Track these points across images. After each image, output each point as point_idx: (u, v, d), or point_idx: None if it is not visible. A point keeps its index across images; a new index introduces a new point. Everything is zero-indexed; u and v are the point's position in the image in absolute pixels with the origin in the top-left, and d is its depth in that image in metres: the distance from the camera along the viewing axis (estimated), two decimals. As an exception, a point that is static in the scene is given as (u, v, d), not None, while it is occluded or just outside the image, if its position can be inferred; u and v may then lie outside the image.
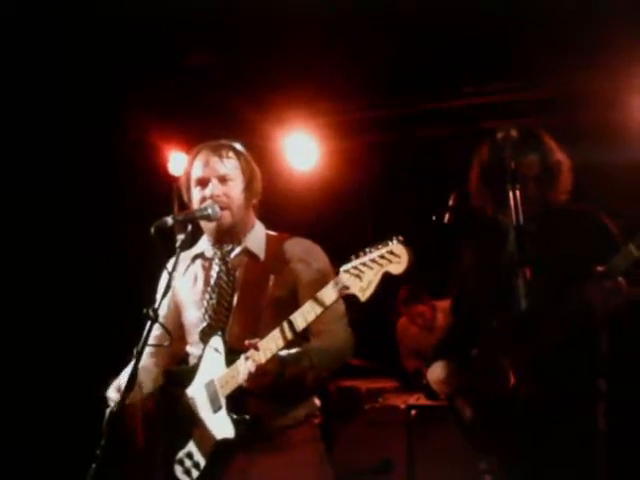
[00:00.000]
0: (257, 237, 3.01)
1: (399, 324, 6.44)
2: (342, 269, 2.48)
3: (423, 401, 4.85)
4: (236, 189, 2.95)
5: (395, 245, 2.38)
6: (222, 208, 2.90)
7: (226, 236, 2.97)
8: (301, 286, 2.82)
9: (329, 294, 2.53)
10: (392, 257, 2.37)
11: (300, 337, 2.71)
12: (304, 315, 2.60)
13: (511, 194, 2.78)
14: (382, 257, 2.39)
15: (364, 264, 2.42)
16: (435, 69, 5.41)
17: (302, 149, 6.05)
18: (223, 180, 2.93)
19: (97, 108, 5.62)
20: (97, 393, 2.93)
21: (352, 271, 2.44)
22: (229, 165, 2.96)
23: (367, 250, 2.44)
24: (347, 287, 2.46)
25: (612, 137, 5.26)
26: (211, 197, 2.90)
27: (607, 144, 5.20)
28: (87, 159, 5.92)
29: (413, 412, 4.93)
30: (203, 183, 2.94)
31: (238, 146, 3.03)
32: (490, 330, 3.04)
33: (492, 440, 3.03)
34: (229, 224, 2.94)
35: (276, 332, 2.65)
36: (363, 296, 2.43)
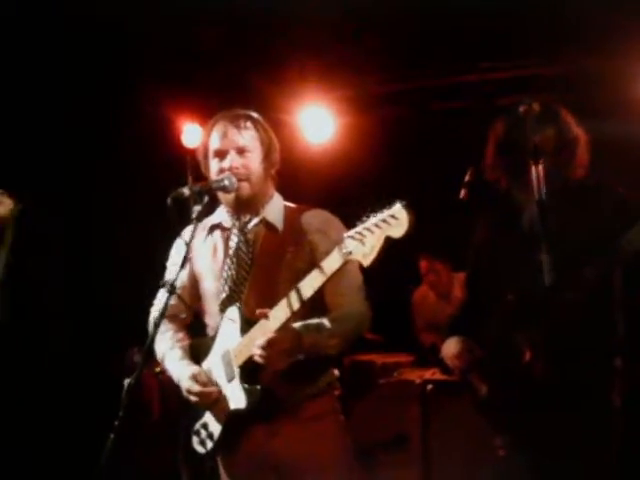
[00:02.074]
0: (275, 208, 3.00)
1: (416, 295, 6.44)
2: (346, 235, 2.49)
3: (439, 376, 4.85)
4: (255, 160, 2.93)
5: (396, 208, 2.39)
6: (241, 180, 2.89)
7: (245, 207, 2.96)
8: (318, 257, 2.79)
9: (334, 260, 2.55)
10: (393, 220, 2.39)
11: (312, 308, 2.72)
12: (311, 282, 2.62)
13: (533, 168, 2.77)
14: (384, 221, 2.41)
15: (367, 229, 2.43)
16: (451, 44, 5.38)
17: (318, 123, 6.04)
18: (241, 151, 2.91)
19: (110, 81, 5.62)
20: (114, 364, 2.96)
21: (356, 236, 2.45)
22: (247, 136, 2.93)
23: (370, 215, 2.44)
24: (351, 252, 2.47)
25: (627, 114, 5.22)
26: (229, 169, 2.88)
27: (622, 121, 5.16)
28: (100, 132, 5.93)
29: (429, 387, 4.92)
30: (221, 155, 2.92)
31: (256, 116, 3.00)
32: (505, 305, 3.04)
33: (506, 416, 3.03)
34: (248, 195, 2.92)
35: (284, 301, 2.66)
36: (366, 261, 2.45)
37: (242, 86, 5.82)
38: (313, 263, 2.73)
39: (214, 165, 2.94)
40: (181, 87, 6.02)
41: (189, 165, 6.26)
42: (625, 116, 5.21)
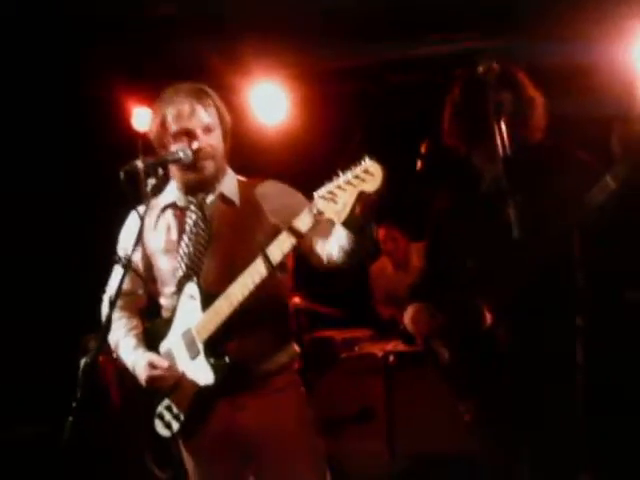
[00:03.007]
0: (230, 183, 2.95)
1: (373, 267, 6.44)
2: (316, 194, 2.44)
3: (400, 347, 4.87)
4: (218, 138, 2.87)
5: (368, 163, 2.35)
6: (206, 158, 2.82)
7: (204, 185, 2.89)
8: (281, 223, 2.72)
9: (305, 221, 2.51)
10: (366, 176, 2.35)
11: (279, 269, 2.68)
12: (280, 246, 2.58)
13: (496, 126, 2.76)
14: (356, 177, 2.36)
15: (338, 187, 2.38)
16: (404, 16, 5.35)
17: (270, 100, 5.98)
18: (207, 130, 2.83)
19: (57, 66, 5.51)
20: (69, 344, 2.90)
21: (327, 195, 2.40)
22: (212, 114, 2.85)
23: (341, 173, 2.39)
24: (322, 212, 2.43)
25: (580, 85, 5.26)
26: (199, 149, 2.79)
27: (576, 92, 5.20)
28: (48, 117, 5.82)
29: (391, 358, 4.94)
30: (189, 134, 2.81)
31: (212, 92, 2.91)
32: (466, 271, 3.03)
33: (470, 380, 3.04)
34: (212, 175, 2.87)
35: (252, 267, 2.62)
36: (339, 219, 2.40)
37: (193, 66, 5.74)
38: (274, 232, 2.68)
39: (178, 146, 2.82)
40: (129, 70, 5.92)
41: (140, 149, 6.19)
42: (579, 88, 5.25)
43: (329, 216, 2.41)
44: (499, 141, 2.75)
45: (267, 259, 2.58)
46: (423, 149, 4.60)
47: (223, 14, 5.31)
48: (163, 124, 2.84)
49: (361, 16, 5.33)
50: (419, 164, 4.62)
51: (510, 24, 5.42)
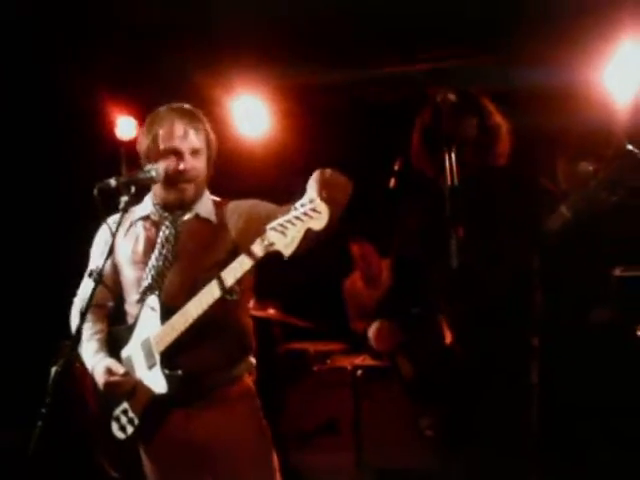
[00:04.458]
0: (207, 203, 3.03)
1: (347, 282, 6.49)
2: (268, 227, 2.57)
3: (369, 361, 4.93)
4: (203, 162, 2.97)
5: (317, 202, 2.46)
6: (189, 181, 2.92)
7: (182, 205, 2.98)
8: (240, 247, 2.82)
9: (256, 250, 2.63)
10: (314, 214, 2.46)
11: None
12: (233, 272, 2.70)
13: (446, 156, 2.85)
14: (305, 214, 2.47)
15: (289, 221, 2.51)
16: (386, 34, 5.42)
17: (251, 114, 6.04)
18: (195, 153, 2.92)
19: (42, 75, 5.55)
20: (43, 354, 2.95)
21: (277, 228, 2.54)
22: (201, 138, 2.94)
23: (292, 208, 2.50)
24: (273, 243, 2.56)
25: (560, 103, 5.34)
26: (185, 171, 2.89)
27: (554, 110, 5.28)
28: (32, 127, 5.85)
29: (359, 372, 5.01)
30: (178, 155, 2.90)
31: (202, 115, 3.00)
32: (429, 289, 3.12)
33: (431, 396, 3.12)
34: (191, 197, 2.97)
35: (207, 289, 2.74)
36: (287, 252, 2.53)
37: (176, 78, 5.79)
38: (235, 253, 2.77)
39: (164, 163, 2.91)
40: (114, 80, 5.96)
41: (124, 157, 6.25)
42: (560, 107, 5.32)
43: (278, 248, 2.55)
44: (448, 172, 2.84)
45: (221, 283, 2.70)
46: (397, 166, 4.67)
47: (207, 27, 5.37)
48: (155, 141, 2.93)
49: (343, 33, 5.40)
50: (392, 181, 4.71)
51: (489, 45, 5.51)
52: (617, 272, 4.22)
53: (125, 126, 6.22)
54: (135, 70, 5.84)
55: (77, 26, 5.14)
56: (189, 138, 2.90)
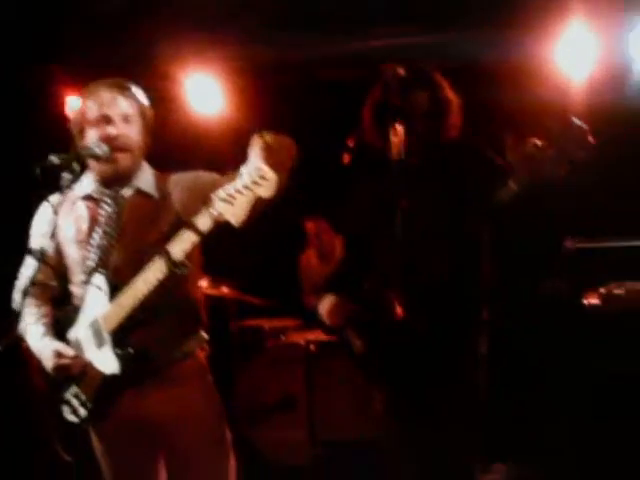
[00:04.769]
0: (147, 176, 2.98)
1: (302, 258, 6.50)
2: (215, 196, 2.50)
3: (322, 337, 4.91)
4: (137, 131, 2.89)
5: (264, 170, 2.42)
6: (123, 150, 2.84)
7: (120, 178, 2.91)
8: (185, 219, 2.75)
9: (204, 222, 2.58)
10: (262, 181, 2.42)
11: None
12: (180, 245, 2.64)
13: (394, 129, 2.86)
14: (253, 182, 2.43)
15: (237, 190, 2.45)
16: (340, 11, 5.40)
17: (205, 93, 5.98)
18: (126, 120, 2.85)
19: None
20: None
21: (225, 198, 2.47)
22: (133, 105, 2.88)
23: (238, 175, 2.46)
24: (221, 214, 2.50)
25: (511, 79, 5.38)
26: (115, 138, 2.82)
27: (505, 86, 5.32)
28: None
29: (311, 347, 5.02)
30: (107, 121, 2.83)
31: (135, 86, 2.94)
32: (380, 263, 3.13)
33: (381, 370, 3.14)
34: (127, 167, 2.89)
35: (156, 264, 2.68)
36: (236, 221, 2.48)
37: (128, 57, 5.72)
38: (180, 226, 2.71)
39: (95, 132, 2.84)
40: (65, 59, 5.87)
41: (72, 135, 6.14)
42: (511, 83, 5.36)
43: (227, 218, 2.49)
44: (394, 146, 2.85)
45: (168, 257, 2.64)
46: (350, 143, 4.67)
47: (160, 5, 5.31)
48: (84, 113, 2.88)
49: (296, 11, 5.37)
50: (346, 157, 4.70)
51: (441, 22, 5.52)
52: (568, 243, 4.29)
53: (75, 105, 6.11)
54: (87, 49, 5.76)
55: (27, 4, 5.04)
56: (118, 104, 2.84)
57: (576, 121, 2.68)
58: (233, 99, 6.07)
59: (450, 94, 3.21)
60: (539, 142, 2.74)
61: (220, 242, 2.77)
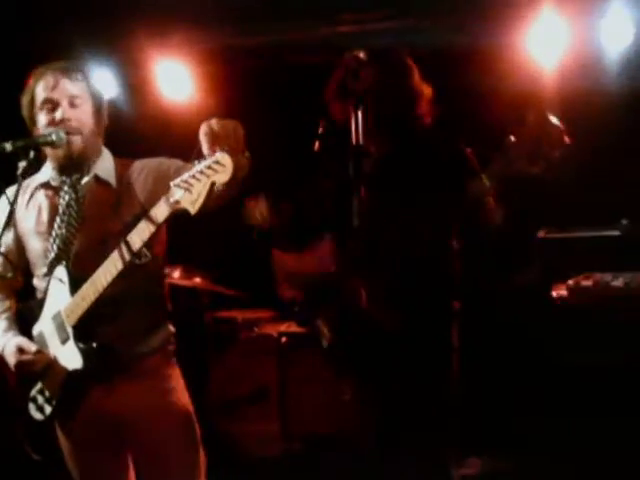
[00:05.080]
0: (107, 164, 2.91)
1: (274, 250, 6.44)
2: (172, 183, 2.45)
3: (294, 328, 4.89)
4: (87, 113, 2.83)
5: (219, 155, 2.37)
6: (72, 133, 2.78)
7: (75, 164, 2.84)
8: (147, 207, 2.70)
9: (161, 210, 2.53)
10: (218, 167, 2.36)
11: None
12: (139, 234, 2.59)
13: (353, 114, 2.83)
14: (209, 168, 2.37)
15: (193, 177, 2.39)
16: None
17: (174, 77, 5.91)
18: (74, 103, 2.80)
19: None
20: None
21: (182, 185, 2.42)
22: (80, 86, 2.83)
23: (196, 163, 2.41)
24: (178, 201, 2.45)
25: (483, 67, 5.36)
26: (62, 121, 2.77)
27: (477, 74, 5.30)
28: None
29: (283, 339, 4.99)
30: (52, 104, 2.79)
31: (85, 68, 2.89)
32: (348, 252, 3.09)
33: (349, 361, 3.11)
34: (79, 150, 2.81)
35: (114, 254, 2.62)
36: (193, 209, 2.42)
37: (97, 43, 5.63)
38: (143, 214, 2.66)
39: (43, 117, 2.80)
40: (33, 45, 5.77)
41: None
42: (483, 71, 5.33)
43: (185, 206, 2.43)
44: (354, 131, 2.82)
45: (128, 246, 2.59)
46: (320, 129, 4.63)
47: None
48: (32, 99, 2.83)
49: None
50: (317, 144, 4.66)
51: (411, 8, 5.48)
52: (541, 234, 4.28)
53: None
54: (56, 34, 5.66)
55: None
56: (63, 86, 2.79)
57: (553, 120, 2.65)
58: (202, 85, 6.00)
59: (419, 81, 3.17)
60: (513, 137, 2.72)
61: (193, 232, 2.72)
